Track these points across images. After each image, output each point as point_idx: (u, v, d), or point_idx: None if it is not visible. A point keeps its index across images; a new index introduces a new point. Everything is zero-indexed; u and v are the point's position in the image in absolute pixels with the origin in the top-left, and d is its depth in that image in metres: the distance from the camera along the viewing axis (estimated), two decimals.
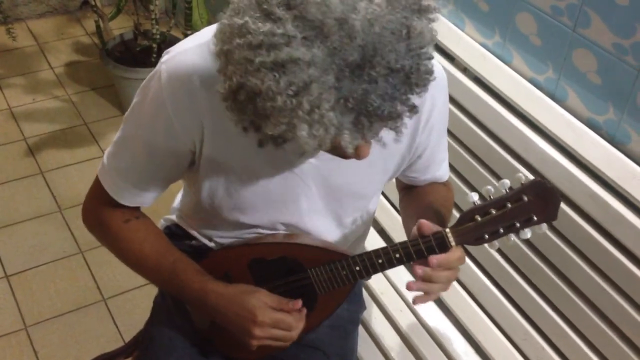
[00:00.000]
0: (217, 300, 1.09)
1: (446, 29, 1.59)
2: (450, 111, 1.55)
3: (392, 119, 0.79)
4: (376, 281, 1.64)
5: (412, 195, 1.26)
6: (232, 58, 0.78)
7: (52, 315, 2.12)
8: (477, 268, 1.56)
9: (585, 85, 1.33)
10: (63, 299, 2.17)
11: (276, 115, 0.76)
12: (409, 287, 1.00)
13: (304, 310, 1.12)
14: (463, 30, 1.59)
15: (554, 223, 1.33)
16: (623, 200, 1.24)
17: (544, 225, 0.98)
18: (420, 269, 0.99)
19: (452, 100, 1.55)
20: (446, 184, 1.28)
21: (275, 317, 1.07)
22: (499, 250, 1.50)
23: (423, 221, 1.01)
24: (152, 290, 1.39)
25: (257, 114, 0.79)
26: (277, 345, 1.10)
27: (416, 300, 1.02)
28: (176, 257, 1.15)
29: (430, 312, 1.59)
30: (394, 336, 1.55)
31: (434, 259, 0.98)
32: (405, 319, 1.57)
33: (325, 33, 0.74)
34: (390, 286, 1.64)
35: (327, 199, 1.14)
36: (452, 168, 1.58)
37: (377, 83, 0.76)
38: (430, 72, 0.81)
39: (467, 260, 1.57)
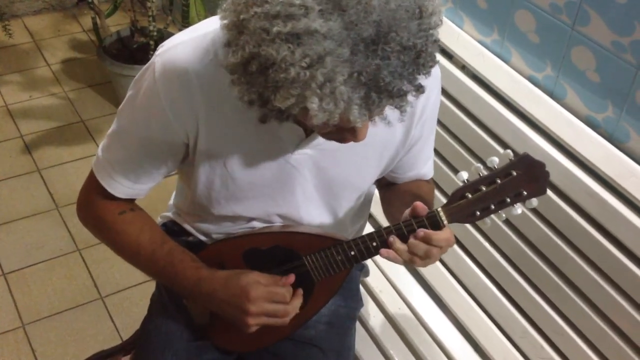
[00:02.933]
0: (211, 285, 1.09)
1: (445, 27, 1.58)
2: (449, 108, 1.55)
3: (399, 97, 0.80)
4: (375, 279, 1.64)
5: (396, 189, 1.25)
6: (247, 27, 0.78)
7: (49, 313, 2.12)
8: (475, 266, 1.56)
9: (584, 83, 1.33)
10: (60, 297, 2.17)
11: (287, 87, 0.77)
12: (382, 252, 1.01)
13: (300, 291, 1.12)
14: (461, 28, 1.59)
15: (553, 221, 1.34)
16: (621, 197, 1.24)
17: (535, 201, 0.98)
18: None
19: (451, 97, 1.55)
20: (429, 182, 1.28)
21: (268, 291, 1.07)
22: (497, 248, 1.50)
23: (418, 203, 1.00)
24: (150, 288, 1.39)
25: (267, 86, 0.79)
26: (273, 322, 1.09)
27: (383, 253, 1.01)
28: (171, 247, 1.15)
29: (428, 309, 1.59)
30: (391, 333, 1.55)
31: (422, 231, 0.98)
32: (403, 316, 1.57)
33: (342, 6, 0.75)
34: (389, 284, 1.64)
35: (322, 189, 1.14)
36: (449, 165, 1.59)
37: (389, 59, 0.76)
38: (435, 56, 0.82)
39: (466, 258, 1.58)
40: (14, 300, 2.15)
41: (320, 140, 1.05)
